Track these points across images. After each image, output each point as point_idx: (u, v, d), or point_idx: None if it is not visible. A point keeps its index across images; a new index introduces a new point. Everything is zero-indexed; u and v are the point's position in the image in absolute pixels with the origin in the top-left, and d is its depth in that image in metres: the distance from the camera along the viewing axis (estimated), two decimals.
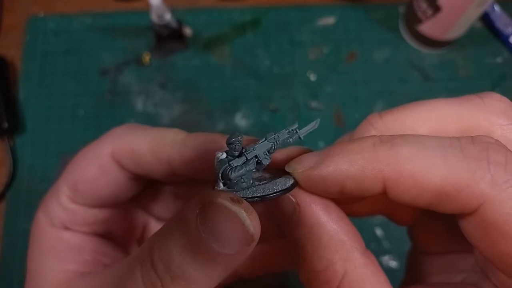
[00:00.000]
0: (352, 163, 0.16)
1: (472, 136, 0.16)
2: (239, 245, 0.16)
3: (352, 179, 0.16)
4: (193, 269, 0.16)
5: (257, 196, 0.18)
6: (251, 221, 0.16)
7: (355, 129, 0.20)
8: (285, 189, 0.18)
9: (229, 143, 0.18)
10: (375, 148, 0.16)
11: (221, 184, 0.18)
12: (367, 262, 0.17)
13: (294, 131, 0.18)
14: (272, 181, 0.18)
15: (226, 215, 0.16)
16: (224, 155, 0.18)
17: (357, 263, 0.17)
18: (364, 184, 0.16)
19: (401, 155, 0.15)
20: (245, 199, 0.17)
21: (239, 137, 0.18)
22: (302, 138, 0.18)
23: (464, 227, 0.16)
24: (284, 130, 0.18)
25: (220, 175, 0.18)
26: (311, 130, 0.18)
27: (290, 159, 0.19)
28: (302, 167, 0.17)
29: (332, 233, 0.17)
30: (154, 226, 0.30)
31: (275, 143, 0.18)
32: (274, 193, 0.18)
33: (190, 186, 0.28)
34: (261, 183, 0.18)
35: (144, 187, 0.27)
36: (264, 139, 0.18)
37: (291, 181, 0.18)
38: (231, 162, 0.18)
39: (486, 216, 0.15)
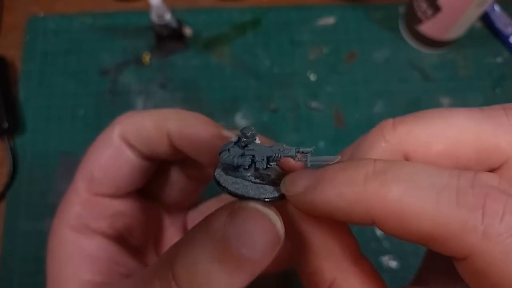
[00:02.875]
0: (341, 197, 0.15)
1: (474, 174, 0.15)
2: (267, 248, 0.16)
3: (339, 211, 0.16)
4: (220, 277, 0.16)
5: (238, 194, 0.18)
6: (281, 225, 0.16)
7: (366, 136, 0.19)
8: (267, 199, 0.18)
9: (240, 131, 0.18)
10: (366, 182, 0.15)
11: (220, 170, 0.19)
12: (358, 271, 0.17)
13: (303, 153, 0.18)
14: (263, 185, 0.18)
15: (258, 217, 0.16)
16: (234, 140, 0.18)
17: (346, 273, 0.17)
18: (352, 217, 0.16)
19: (391, 195, 0.14)
20: (228, 191, 0.17)
21: (249, 132, 0.18)
22: (309, 165, 0.17)
23: (457, 267, 0.16)
24: (294, 148, 0.18)
25: (218, 153, 0.18)
26: (323, 163, 0.17)
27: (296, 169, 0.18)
28: (293, 191, 0.17)
29: (322, 241, 0.17)
30: (168, 224, 0.30)
31: (277, 155, 0.18)
32: (256, 198, 0.17)
33: (200, 169, 0.28)
34: (256, 180, 0.18)
35: (156, 173, 0.27)
36: (271, 146, 0.18)
37: (277, 194, 0.18)
38: (230, 148, 0.18)
39: (476, 266, 0.14)
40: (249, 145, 0.18)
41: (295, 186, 0.17)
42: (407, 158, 0.18)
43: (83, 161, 0.25)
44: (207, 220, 0.17)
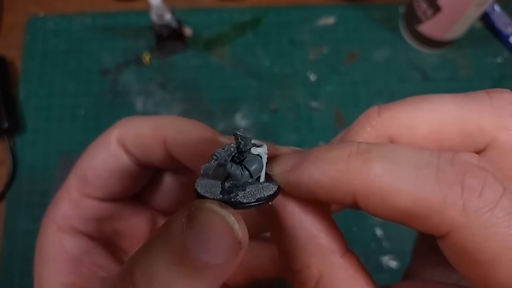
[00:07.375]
0: (324, 173, 0.16)
1: (454, 153, 0.15)
2: (227, 253, 0.15)
3: (322, 188, 0.16)
4: (179, 283, 0.15)
5: (237, 202, 0.17)
6: (239, 227, 0.15)
7: (353, 123, 0.19)
8: (265, 197, 0.17)
9: (233, 135, 0.17)
10: (349, 160, 0.15)
11: (200, 179, 0.18)
12: (346, 265, 0.17)
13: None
14: (255, 185, 0.17)
15: (214, 219, 0.15)
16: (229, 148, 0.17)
17: (334, 266, 0.17)
18: (334, 194, 0.16)
19: (373, 172, 0.15)
20: (229, 203, 0.16)
21: (241, 136, 0.17)
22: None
23: (440, 246, 0.16)
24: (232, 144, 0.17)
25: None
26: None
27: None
28: (279, 170, 0.17)
29: (308, 236, 0.17)
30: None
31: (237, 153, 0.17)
32: (254, 201, 0.17)
33: (194, 178, 0.28)
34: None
35: (150, 179, 0.27)
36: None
37: (274, 188, 0.17)
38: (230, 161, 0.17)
39: (457, 242, 0.14)
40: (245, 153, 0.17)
41: (281, 165, 0.17)
42: (392, 142, 0.18)
43: (79, 160, 0.25)
44: (167, 223, 0.16)
